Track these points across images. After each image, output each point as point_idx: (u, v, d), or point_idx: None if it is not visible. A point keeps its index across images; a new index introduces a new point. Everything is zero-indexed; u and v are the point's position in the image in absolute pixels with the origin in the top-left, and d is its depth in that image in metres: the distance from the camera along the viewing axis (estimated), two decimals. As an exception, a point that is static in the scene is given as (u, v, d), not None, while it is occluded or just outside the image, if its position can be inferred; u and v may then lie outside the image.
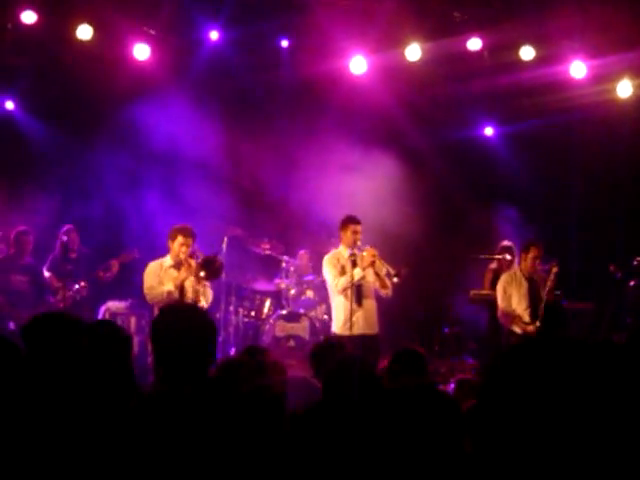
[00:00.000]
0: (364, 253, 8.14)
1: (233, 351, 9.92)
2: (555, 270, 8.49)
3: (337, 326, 8.35)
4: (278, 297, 10.63)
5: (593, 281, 10.70)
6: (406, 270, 8.16)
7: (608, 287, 10.39)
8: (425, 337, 10.62)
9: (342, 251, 8.40)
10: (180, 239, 7.84)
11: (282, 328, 10.12)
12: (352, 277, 8.11)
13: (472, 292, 10.26)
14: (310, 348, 5.35)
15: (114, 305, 10.60)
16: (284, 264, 10.55)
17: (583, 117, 11.06)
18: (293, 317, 10.18)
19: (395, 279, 8.08)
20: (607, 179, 11.04)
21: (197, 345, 3.23)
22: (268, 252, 10.66)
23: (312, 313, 10.28)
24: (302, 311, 10.22)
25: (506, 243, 10.03)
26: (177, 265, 7.91)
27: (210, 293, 8.05)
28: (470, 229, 10.75)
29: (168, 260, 7.95)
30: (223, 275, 10.28)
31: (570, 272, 11.03)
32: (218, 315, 10.04)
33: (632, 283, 10.29)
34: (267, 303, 10.68)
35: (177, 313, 3.40)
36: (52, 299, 9.68)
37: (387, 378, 4.81)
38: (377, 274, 8.20)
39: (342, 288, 8.18)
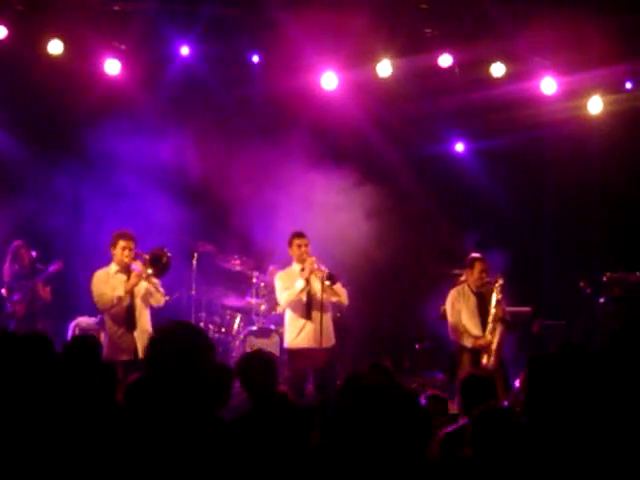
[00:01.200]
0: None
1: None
2: (500, 282, 8.55)
3: (288, 339, 8.51)
4: (248, 313, 10.60)
5: (564, 298, 10.72)
6: (336, 273, 8.19)
7: (578, 303, 10.42)
8: (396, 353, 10.59)
9: (294, 267, 8.49)
10: (122, 243, 7.85)
11: (252, 344, 10.07)
12: (295, 289, 8.20)
13: (442, 307, 10.24)
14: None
15: (84, 321, 10.55)
16: (254, 280, 10.52)
17: (554, 133, 11.12)
18: (263, 333, 10.15)
19: (327, 282, 8.12)
20: (578, 195, 11.08)
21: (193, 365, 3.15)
22: (238, 268, 10.65)
23: (282, 329, 10.24)
24: (273, 327, 10.20)
25: (474, 255, 10.04)
26: (123, 270, 7.88)
27: (161, 294, 8.00)
28: (440, 245, 10.75)
29: (113, 267, 7.94)
30: (193, 291, 10.34)
31: (542, 289, 11.08)
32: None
33: (602, 300, 10.33)
34: (237, 319, 10.65)
35: (169, 336, 3.26)
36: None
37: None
38: (322, 282, 8.22)
39: (285, 301, 8.37)
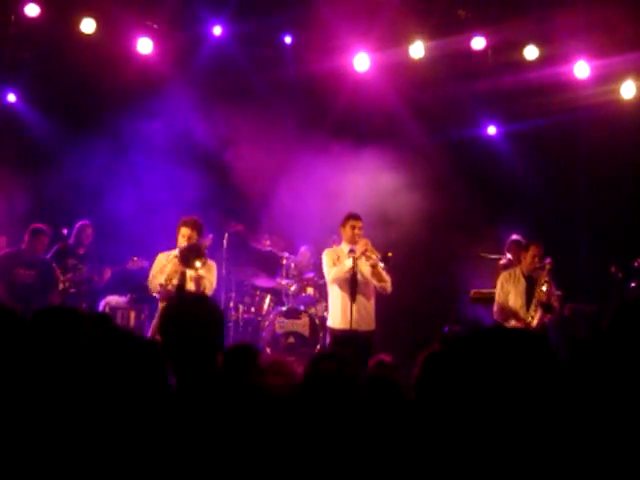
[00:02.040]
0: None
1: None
2: (548, 267, 8.55)
3: (332, 320, 8.42)
4: (278, 294, 10.59)
5: (595, 282, 10.67)
6: (392, 254, 8.13)
7: (609, 288, 10.35)
8: (425, 336, 10.55)
9: (343, 247, 8.41)
10: (183, 230, 7.78)
11: (282, 325, 10.07)
12: (343, 266, 8.14)
13: (473, 291, 10.24)
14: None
15: (114, 299, 10.57)
16: (285, 261, 10.50)
17: (586, 117, 11.04)
18: (293, 314, 10.13)
19: (382, 264, 8.07)
20: (610, 179, 11.00)
21: (205, 336, 3.20)
22: (269, 248, 10.62)
23: (312, 310, 10.25)
24: (302, 308, 10.18)
25: (515, 237, 9.99)
26: None
27: (209, 284, 7.90)
28: (472, 228, 10.70)
29: (175, 251, 7.90)
30: (223, 270, 10.31)
31: (574, 273, 11.02)
32: (218, 311, 9.98)
33: (633, 284, 10.26)
34: (267, 299, 10.65)
35: (183, 304, 3.36)
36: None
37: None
38: (373, 267, 8.18)
39: (334, 277, 8.24)
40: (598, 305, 10.41)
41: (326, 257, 8.42)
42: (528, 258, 8.66)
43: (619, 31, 10.21)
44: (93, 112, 10.89)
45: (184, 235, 7.75)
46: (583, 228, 11.30)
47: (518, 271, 8.79)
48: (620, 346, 2.80)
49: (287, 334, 10.06)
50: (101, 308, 10.36)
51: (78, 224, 10.01)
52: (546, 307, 8.49)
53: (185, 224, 7.81)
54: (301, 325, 10.09)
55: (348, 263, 8.13)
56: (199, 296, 5.29)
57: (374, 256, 8.10)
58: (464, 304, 10.47)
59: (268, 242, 10.59)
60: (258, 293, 10.68)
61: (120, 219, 10.38)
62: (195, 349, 3.17)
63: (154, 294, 7.91)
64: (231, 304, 10.32)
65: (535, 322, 8.43)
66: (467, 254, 10.44)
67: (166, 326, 3.27)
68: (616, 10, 10.11)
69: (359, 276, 8.20)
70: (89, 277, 9.92)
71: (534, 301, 8.51)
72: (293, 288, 10.44)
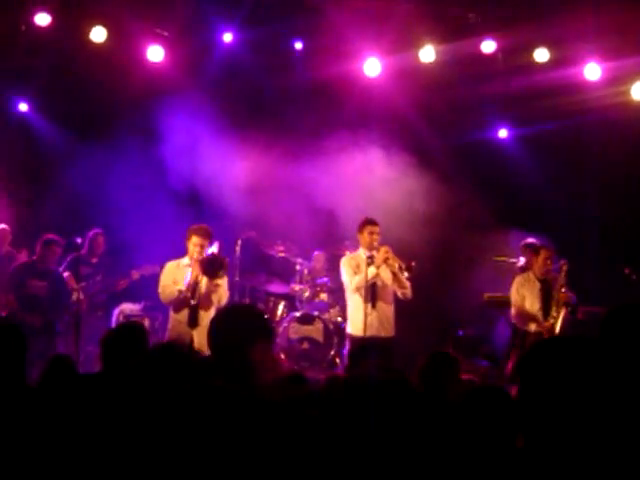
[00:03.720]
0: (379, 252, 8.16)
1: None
2: (565, 268, 8.61)
3: (352, 327, 8.40)
4: (292, 299, 10.60)
5: (609, 284, 10.64)
6: (416, 263, 8.15)
7: (624, 291, 10.33)
8: (439, 339, 10.56)
9: (361, 253, 8.42)
10: (194, 239, 7.81)
11: (296, 330, 10.09)
12: (366, 275, 8.11)
13: (486, 295, 10.25)
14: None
15: (128, 307, 10.59)
16: (298, 267, 10.52)
17: (597, 119, 11.01)
18: (307, 319, 10.15)
19: (406, 273, 8.09)
20: (622, 181, 10.99)
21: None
22: (282, 254, 10.64)
23: (326, 315, 10.26)
24: (316, 313, 10.19)
25: (529, 240, 9.99)
26: (192, 265, 7.88)
27: (224, 293, 7.95)
28: (484, 231, 10.69)
29: (185, 260, 7.93)
30: (237, 277, 10.33)
31: (586, 276, 11.01)
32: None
33: (647, 286, 10.24)
34: (281, 305, 10.66)
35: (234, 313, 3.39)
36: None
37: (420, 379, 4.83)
38: (394, 273, 8.19)
39: (356, 286, 8.22)
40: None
41: (345, 266, 8.40)
42: (540, 261, 8.73)
43: (629, 32, 10.20)
44: (104, 121, 10.89)
45: (196, 244, 7.78)
46: (596, 230, 11.27)
47: (532, 275, 8.85)
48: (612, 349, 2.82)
49: (301, 340, 10.08)
50: (115, 317, 10.38)
51: (90, 233, 10.02)
52: (570, 307, 8.51)
53: (196, 233, 7.84)
54: (315, 331, 10.10)
55: (371, 272, 8.11)
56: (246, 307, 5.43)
57: (396, 264, 8.11)
58: (477, 308, 10.47)
59: (281, 248, 10.61)
60: (272, 299, 10.69)
61: (129, 228, 10.39)
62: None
63: (166, 303, 7.93)
64: (245, 310, 10.29)
65: (558, 325, 8.44)
66: (479, 257, 10.43)
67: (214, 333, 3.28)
68: (626, 12, 10.08)
69: (379, 282, 8.21)
70: (103, 288, 9.91)
71: (554, 303, 8.53)
72: (307, 294, 10.45)
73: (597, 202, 11.40)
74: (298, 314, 10.21)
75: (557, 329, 8.43)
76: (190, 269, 7.82)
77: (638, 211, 10.85)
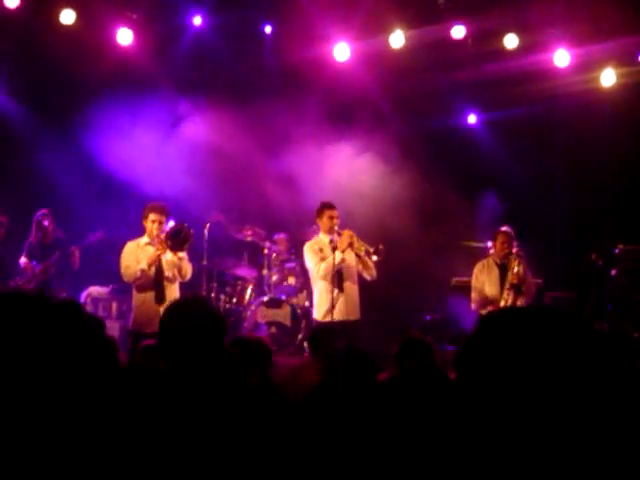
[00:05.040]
0: (341, 236, 8.15)
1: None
2: (514, 250, 8.68)
3: (318, 312, 8.36)
4: (260, 283, 10.60)
5: (575, 269, 10.71)
6: (383, 247, 8.16)
7: (590, 275, 10.40)
8: (406, 324, 10.58)
9: (322, 238, 8.41)
10: (152, 216, 7.88)
11: (263, 314, 10.09)
12: (334, 261, 8.08)
13: (454, 280, 10.30)
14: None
15: (95, 290, 10.62)
16: (266, 250, 10.51)
17: (566, 105, 11.07)
18: (275, 303, 10.15)
19: (375, 257, 8.09)
20: (590, 167, 11.03)
21: (205, 339, 3.21)
22: (250, 238, 10.63)
23: (294, 300, 10.26)
24: (284, 298, 10.20)
25: (504, 229, 10.00)
26: (153, 242, 7.92)
27: (188, 266, 8.03)
28: (453, 217, 10.73)
29: (144, 239, 7.98)
30: (204, 261, 10.32)
31: (554, 261, 11.07)
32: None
33: (613, 272, 10.30)
34: (249, 289, 10.64)
35: (183, 308, 3.38)
36: (19, 281, 9.50)
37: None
38: (358, 255, 8.19)
39: (324, 273, 8.18)
40: (577, 293, 10.47)
41: (309, 252, 8.36)
42: (498, 245, 8.85)
43: (599, 19, 10.23)
44: (72, 103, 10.84)
45: (154, 220, 7.85)
46: (563, 216, 11.33)
47: (491, 260, 8.96)
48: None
49: (269, 324, 10.08)
50: (83, 299, 10.38)
51: (37, 214, 9.85)
52: (516, 288, 8.58)
53: (153, 210, 7.91)
54: (282, 315, 10.11)
55: (337, 257, 8.05)
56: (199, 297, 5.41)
57: (363, 248, 8.11)
58: (445, 293, 10.49)
59: (249, 232, 10.58)
60: (239, 283, 10.68)
61: (92, 209, 10.37)
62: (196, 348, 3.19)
63: (131, 282, 7.97)
64: (212, 294, 10.31)
65: (509, 305, 8.49)
66: (447, 242, 10.47)
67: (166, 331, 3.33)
68: (596, -2, 10.13)
69: (344, 266, 8.20)
70: (57, 260, 9.80)
71: (506, 284, 8.62)
72: (274, 278, 10.45)
73: (565, 187, 11.45)
74: (266, 298, 10.21)
75: None
76: (151, 247, 7.86)
77: (606, 197, 10.89)
